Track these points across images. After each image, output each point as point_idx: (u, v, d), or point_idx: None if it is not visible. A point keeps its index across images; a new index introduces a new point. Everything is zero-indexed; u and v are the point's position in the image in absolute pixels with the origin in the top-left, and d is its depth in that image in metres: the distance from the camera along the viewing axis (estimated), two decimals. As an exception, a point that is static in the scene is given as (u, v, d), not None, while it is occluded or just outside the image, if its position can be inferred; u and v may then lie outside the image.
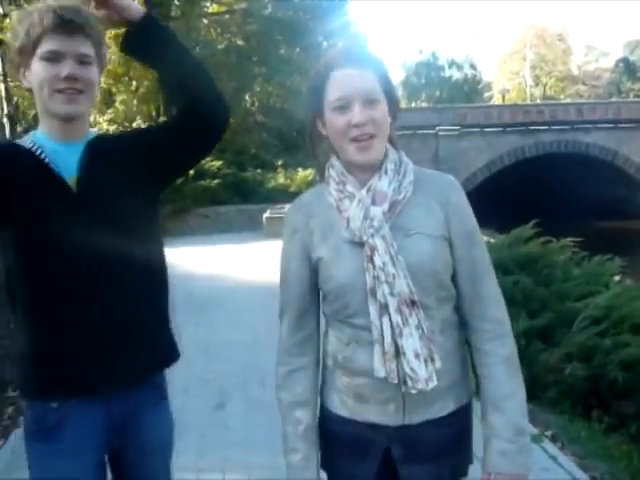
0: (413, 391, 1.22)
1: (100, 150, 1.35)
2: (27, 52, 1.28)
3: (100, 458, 1.33)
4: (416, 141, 23.19)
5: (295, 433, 1.32)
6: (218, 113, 1.40)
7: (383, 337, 1.21)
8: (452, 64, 54.40)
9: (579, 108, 24.68)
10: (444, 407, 1.29)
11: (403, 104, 45.99)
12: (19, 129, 14.05)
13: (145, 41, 1.35)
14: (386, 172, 1.26)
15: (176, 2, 15.15)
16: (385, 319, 1.20)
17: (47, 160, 1.30)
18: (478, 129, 23.40)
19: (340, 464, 1.35)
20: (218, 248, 9.65)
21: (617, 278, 4.92)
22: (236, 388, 3.85)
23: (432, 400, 1.26)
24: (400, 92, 52.64)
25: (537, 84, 53.39)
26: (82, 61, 1.29)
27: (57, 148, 1.32)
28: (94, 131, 1.43)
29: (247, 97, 16.67)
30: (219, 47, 15.42)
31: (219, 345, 4.75)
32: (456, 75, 53.96)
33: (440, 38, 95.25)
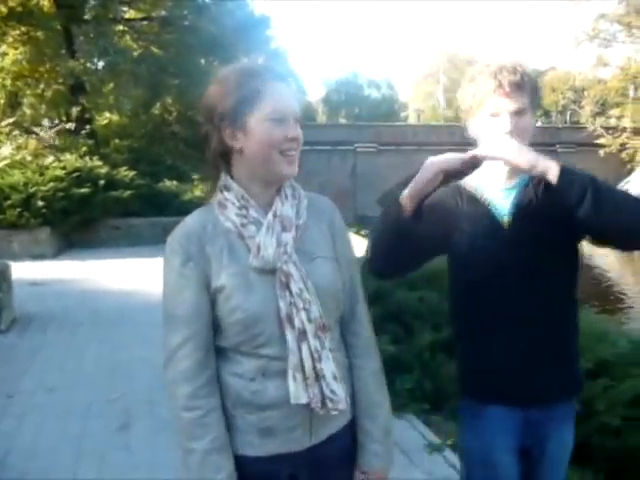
0: (334, 412, 1.24)
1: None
2: (473, 112, 1.56)
3: (513, 446, 1.58)
4: (335, 157, 23.87)
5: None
6: None
7: (303, 363, 1.21)
8: (371, 84, 56.06)
9: (488, 131, 26.11)
10: (344, 417, 1.33)
11: (323, 120, 46.78)
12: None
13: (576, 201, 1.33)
14: (286, 197, 1.28)
15: (92, 2, 14.55)
16: (304, 345, 1.21)
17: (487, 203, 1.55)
18: (394, 147, 24.20)
19: None
20: (129, 262, 9.27)
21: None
22: (141, 408, 3.71)
23: (335, 414, 1.28)
24: (320, 108, 53.55)
25: (450, 106, 56.00)
26: (519, 113, 1.47)
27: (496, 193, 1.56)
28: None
29: (162, 106, 16.25)
30: (135, 54, 14.96)
31: (125, 363, 4.57)
32: (374, 94, 55.64)
33: (360, 56, 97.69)
